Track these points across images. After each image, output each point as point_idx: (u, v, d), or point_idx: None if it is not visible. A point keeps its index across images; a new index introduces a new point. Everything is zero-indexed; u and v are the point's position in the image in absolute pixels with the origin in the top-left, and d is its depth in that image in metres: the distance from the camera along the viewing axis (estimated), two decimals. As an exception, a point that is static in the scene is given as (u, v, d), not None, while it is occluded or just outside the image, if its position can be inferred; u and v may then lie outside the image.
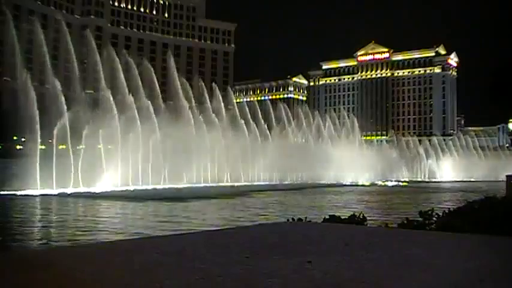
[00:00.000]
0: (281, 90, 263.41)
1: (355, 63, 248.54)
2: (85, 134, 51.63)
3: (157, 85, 66.72)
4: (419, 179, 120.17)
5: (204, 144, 65.17)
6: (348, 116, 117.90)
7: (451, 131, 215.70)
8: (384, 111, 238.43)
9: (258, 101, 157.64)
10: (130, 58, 64.65)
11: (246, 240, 7.96)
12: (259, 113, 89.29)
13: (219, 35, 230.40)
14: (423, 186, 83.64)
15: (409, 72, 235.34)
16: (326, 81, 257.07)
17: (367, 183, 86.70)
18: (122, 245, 8.30)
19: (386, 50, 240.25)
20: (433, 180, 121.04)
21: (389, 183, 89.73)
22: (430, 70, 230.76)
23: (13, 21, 55.83)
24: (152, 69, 67.70)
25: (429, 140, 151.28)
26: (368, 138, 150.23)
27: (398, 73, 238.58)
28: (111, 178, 53.31)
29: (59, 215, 31.12)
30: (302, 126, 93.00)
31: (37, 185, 46.76)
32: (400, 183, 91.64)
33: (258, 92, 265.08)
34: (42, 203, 37.78)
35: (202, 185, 60.96)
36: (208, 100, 77.61)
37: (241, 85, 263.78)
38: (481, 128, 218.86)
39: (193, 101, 73.45)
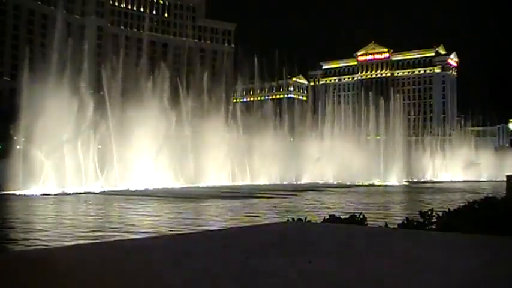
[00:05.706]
0: (281, 90, 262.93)
1: (355, 63, 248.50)
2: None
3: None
4: (419, 180, 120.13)
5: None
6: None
7: (451, 131, 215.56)
8: (384, 111, 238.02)
9: (258, 101, 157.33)
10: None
11: (246, 240, 7.95)
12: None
13: (219, 35, 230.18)
14: (423, 187, 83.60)
15: (409, 72, 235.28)
16: (326, 81, 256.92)
17: (366, 184, 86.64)
18: (122, 245, 8.30)
19: (386, 50, 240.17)
20: (434, 180, 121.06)
21: (389, 184, 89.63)
22: (430, 70, 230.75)
23: (13, 21, 56.44)
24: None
25: (429, 140, 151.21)
26: (367, 137, 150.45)
27: (398, 73, 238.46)
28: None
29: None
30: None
31: (39, 184, 46.93)
32: (403, 183, 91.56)
33: (258, 92, 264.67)
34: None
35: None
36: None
37: (241, 85, 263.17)
38: (481, 128, 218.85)
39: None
